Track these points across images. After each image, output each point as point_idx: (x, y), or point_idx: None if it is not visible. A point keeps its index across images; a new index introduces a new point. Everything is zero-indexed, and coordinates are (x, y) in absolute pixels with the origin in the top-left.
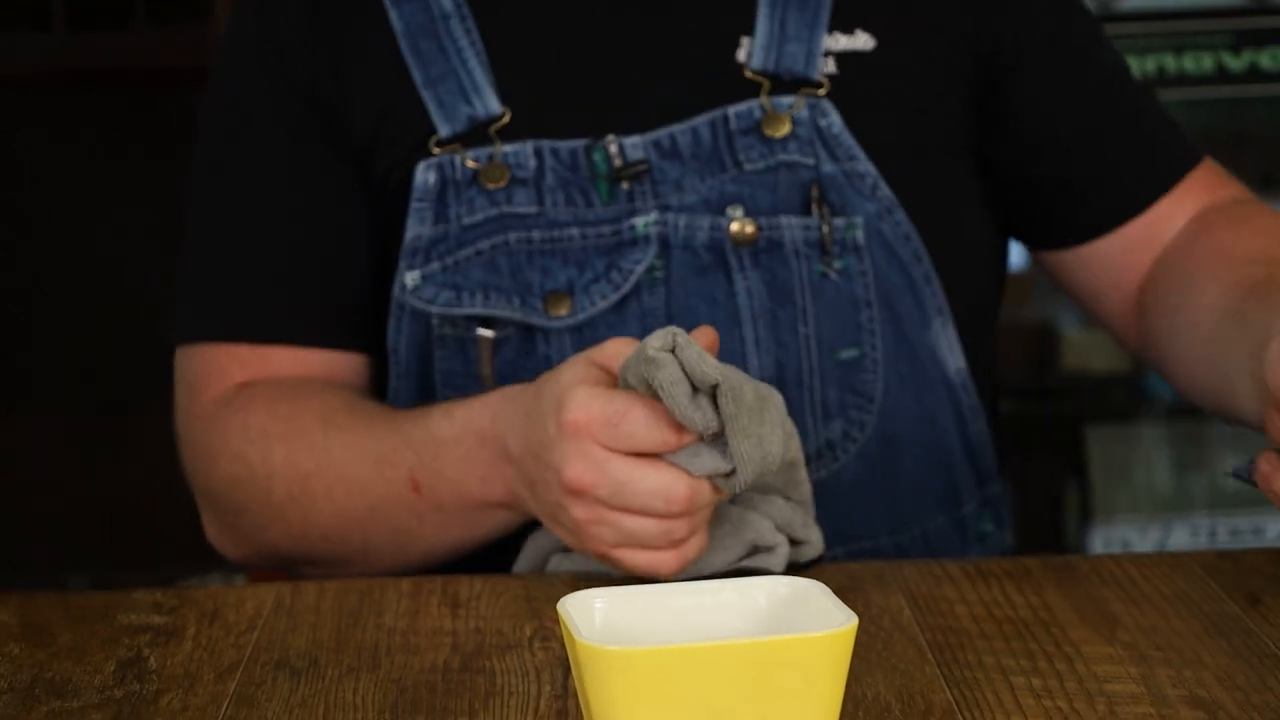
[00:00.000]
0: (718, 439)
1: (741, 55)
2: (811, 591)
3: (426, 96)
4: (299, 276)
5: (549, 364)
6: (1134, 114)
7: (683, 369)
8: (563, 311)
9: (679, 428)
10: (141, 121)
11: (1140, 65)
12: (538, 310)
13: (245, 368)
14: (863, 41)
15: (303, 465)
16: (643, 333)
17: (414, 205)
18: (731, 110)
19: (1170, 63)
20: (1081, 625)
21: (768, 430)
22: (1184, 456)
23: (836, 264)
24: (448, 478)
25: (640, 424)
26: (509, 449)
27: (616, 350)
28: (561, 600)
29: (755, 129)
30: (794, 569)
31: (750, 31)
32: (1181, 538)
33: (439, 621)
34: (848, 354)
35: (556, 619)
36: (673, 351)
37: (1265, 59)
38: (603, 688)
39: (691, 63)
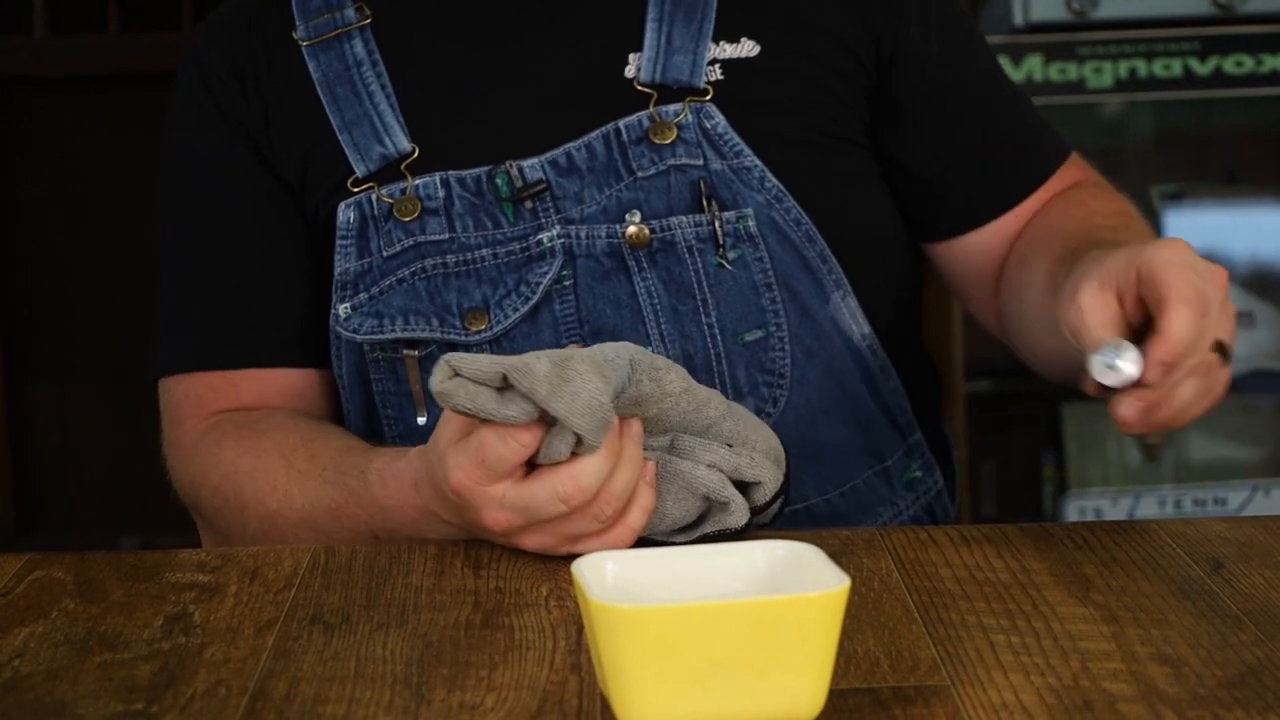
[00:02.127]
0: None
1: (630, 71)
2: (807, 555)
3: (343, 140)
4: (256, 304)
5: None
6: (1006, 115)
7: (474, 381)
8: (480, 326)
9: (525, 425)
10: None
11: (1113, 70)
12: (456, 327)
13: (217, 395)
14: (748, 49)
15: (268, 505)
16: (556, 338)
17: (339, 243)
18: (622, 123)
19: (1141, 68)
20: (1057, 587)
21: (578, 383)
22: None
23: (731, 254)
24: (404, 534)
25: (496, 445)
26: (444, 518)
27: None
28: (575, 562)
29: (645, 138)
30: (770, 522)
31: (639, 48)
32: (1150, 507)
33: (462, 581)
34: (753, 336)
35: (571, 579)
36: (457, 375)
37: (1229, 65)
38: (613, 643)
39: (585, 83)
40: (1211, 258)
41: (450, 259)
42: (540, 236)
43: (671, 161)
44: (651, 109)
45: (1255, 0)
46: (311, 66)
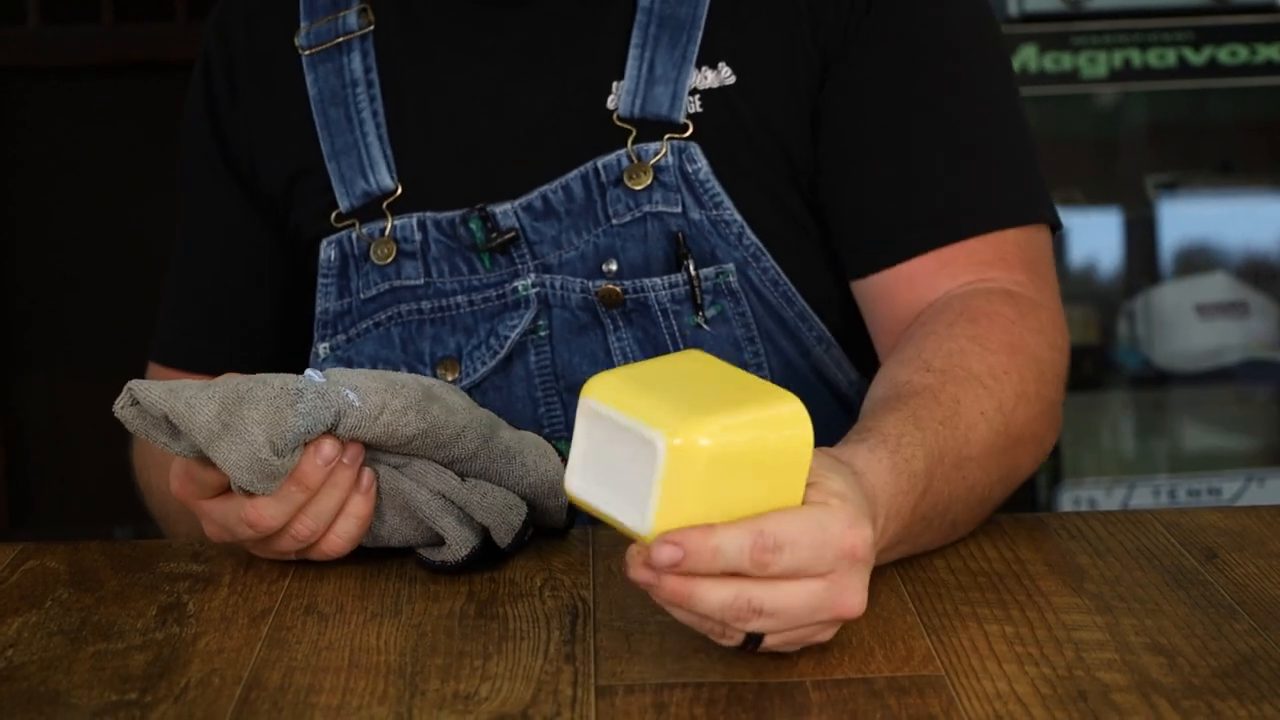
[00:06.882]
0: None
1: (612, 101)
2: None
3: (330, 169)
4: (213, 312)
5: None
6: (932, 164)
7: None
8: (453, 376)
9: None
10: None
11: (1108, 60)
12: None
13: None
14: (725, 75)
15: (162, 488)
16: (529, 391)
17: (320, 281)
18: (600, 162)
19: (1135, 57)
20: (1051, 577)
21: (238, 434)
22: (1147, 422)
23: (710, 311)
24: None
25: (197, 468)
26: None
27: None
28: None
29: (620, 181)
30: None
31: (622, 75)
32: (1144, 497)
33: None
34: None
35: (565, 570)
36: (137, 404)
37: (1224, 54)
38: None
39: (566, 115)
40: (1206, 248)
41: (425, 305)
42: (516, 284)
43: (647, 208)
44: (629, 147)
45: None
46: (309, 80)
